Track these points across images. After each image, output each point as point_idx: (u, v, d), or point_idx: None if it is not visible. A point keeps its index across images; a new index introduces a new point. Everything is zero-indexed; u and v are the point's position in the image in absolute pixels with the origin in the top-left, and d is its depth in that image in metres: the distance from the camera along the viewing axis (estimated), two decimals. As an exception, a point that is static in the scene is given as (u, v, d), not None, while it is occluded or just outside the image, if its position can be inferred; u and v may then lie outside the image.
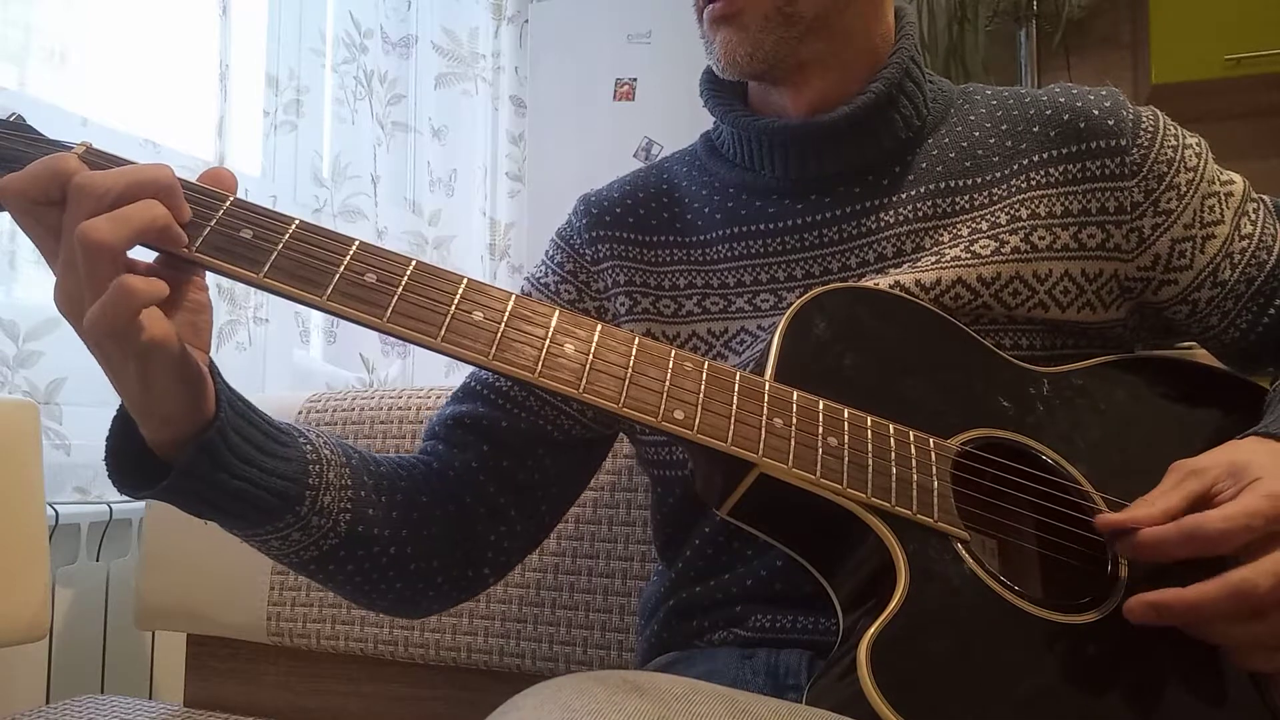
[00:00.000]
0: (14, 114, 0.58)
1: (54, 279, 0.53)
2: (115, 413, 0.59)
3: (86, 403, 1.39)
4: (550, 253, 0.88)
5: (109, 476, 0.59)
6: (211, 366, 0.59)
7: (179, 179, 0.54)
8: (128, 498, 0.60)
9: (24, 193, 0.52)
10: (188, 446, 0.57)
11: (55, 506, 1.31)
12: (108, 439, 0.59)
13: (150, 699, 1.40)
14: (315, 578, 0.73)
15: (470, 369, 0.85)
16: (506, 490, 0.80)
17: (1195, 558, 0.56)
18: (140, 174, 0.52)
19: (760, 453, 0.57)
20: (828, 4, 0.75)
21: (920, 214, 0.76)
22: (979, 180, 0.77)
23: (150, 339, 0.51)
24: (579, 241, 0.86)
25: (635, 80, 2.44)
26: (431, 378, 2.11)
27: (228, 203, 0.55)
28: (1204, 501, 0.58)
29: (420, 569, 0.76)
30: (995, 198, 0.76)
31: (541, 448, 0.82)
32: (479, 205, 2.45)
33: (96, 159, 0.56)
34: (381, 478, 0.74)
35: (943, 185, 0.77)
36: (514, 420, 0.81)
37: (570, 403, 0.81)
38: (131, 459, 0.59)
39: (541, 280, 0.87)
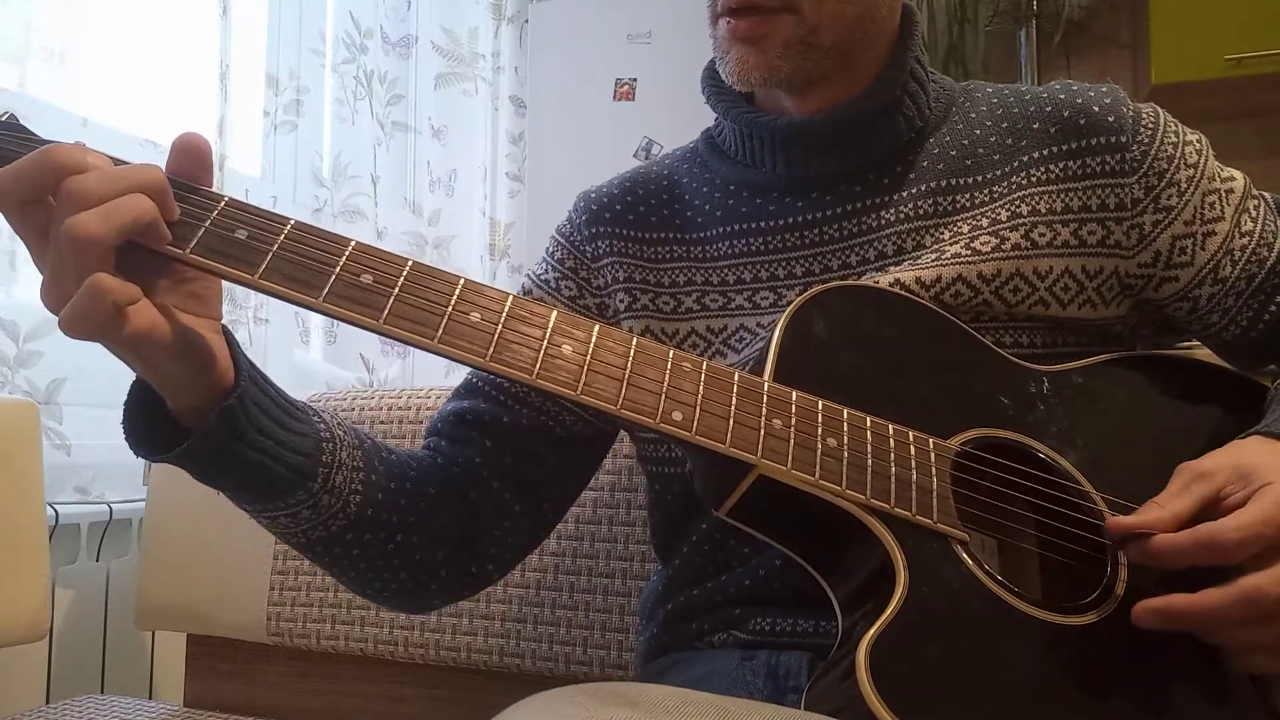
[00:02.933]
0: (7, 113, 0.57)
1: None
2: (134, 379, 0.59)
3: (86, 403, 1.38)
4: (551, 250, 0.88)
5: (126, 439, 0.59)
6: (227, 334, 0.58)
7: (173, 178, 0.54)
8: (143, 458, 0.60)
9: (12, 191, 0.50)
10: (209, 414, 0.57)
11: (55, 506, 1.30)
12: (125, 403, 0.59)
13: (150, 699, 1.40)
14: (321, 561, 0.72)
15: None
16: (510, 486, 0.80)
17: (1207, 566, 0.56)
18: (129, 174, 0.51)
19: (759, 454, 0.57)
20: (845, 32, 0.75)
21: (921, 212, 0.76)
22: (980, 178, 0.77)
23: (133, 333, 0.50)
24: (579, 238, 0.86)
25: (635, 80, 2.44)
26: (431, 378, 2.10)
27: (222, 203, 0.55)
28: (1213, 505, 0.58)
29: (425, 560, 0.76)
30: (996, 195, 0.76)
31: (544, 444, 0.82)
32: (479, 205, 2.45)
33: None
34: (392, 465, 0.74)
35: (944, 183, 0.77)
36: (516, 416, 0.81)
37: None
38: (147, 423, 0.59)
39: (542, 277, 0.87)
